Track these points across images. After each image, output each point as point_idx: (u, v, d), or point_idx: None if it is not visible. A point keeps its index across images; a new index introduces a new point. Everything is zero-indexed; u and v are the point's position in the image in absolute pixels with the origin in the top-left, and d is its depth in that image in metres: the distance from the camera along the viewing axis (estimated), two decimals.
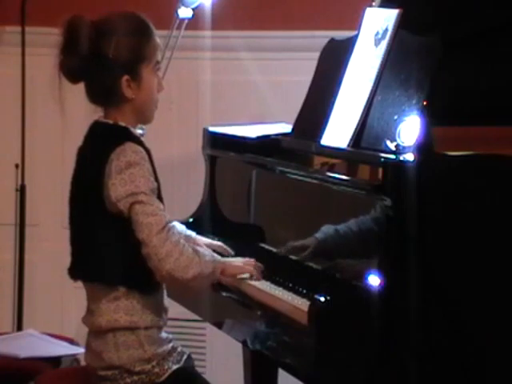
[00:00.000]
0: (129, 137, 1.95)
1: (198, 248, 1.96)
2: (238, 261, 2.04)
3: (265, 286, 2.00)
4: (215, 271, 1.96)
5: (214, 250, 2.19)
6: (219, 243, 2.20)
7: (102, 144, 1.94)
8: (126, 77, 1.93)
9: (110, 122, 1.97)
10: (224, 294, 2.09)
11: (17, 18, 3.04)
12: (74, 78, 1.95)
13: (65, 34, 1.92)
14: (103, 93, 1.95)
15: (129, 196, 1.89)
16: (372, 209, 1.86)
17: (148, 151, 1.96)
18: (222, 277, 2.00)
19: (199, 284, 1.96)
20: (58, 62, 1.93)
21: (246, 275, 2.03)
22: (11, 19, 3.08)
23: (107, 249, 1.93)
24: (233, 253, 2.17)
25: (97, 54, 1.92)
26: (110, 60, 1.92)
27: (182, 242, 1.91)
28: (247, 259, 2.06)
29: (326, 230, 1.99)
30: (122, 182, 1.90)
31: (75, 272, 1.99)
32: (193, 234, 2.18)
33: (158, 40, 1.98)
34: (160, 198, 1.96)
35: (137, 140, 1.96)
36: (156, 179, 1.95)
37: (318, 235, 2.01)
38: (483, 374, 1.87)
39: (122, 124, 1.97)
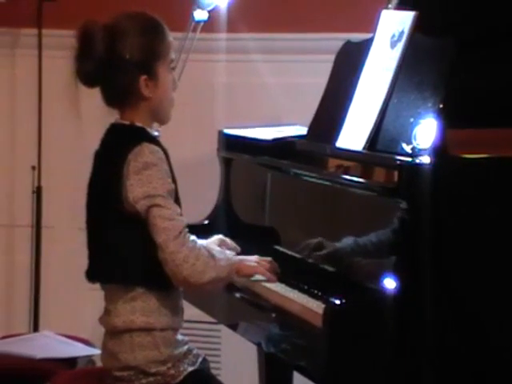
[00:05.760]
0: (146, 137, 1.95)
1: (213, 251, 1.96)
2: (253, 260, 2.03)
3: (279, 288, 2.00)
4: (230, 274, 1.96)
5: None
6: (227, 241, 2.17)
7: (119, 145, 1.95)
8: (143, 76, 1.94)
9: (127, 122, 1.98)
10: (239, 296, 2.09)
11: (33, 20, 3.06)
12: (91, 83, 1.96)
13: (79, 40, 1.93)
14: (121, 94, 1.96)
15: (146, 198, 1.90)
16: (387, 211, 1.85)
17: (165, 151, 1.96)
18: (236, 277, 2.00)
19: (214, 287, 1.96)
20: (74, 69, 1.94)
21: (261, 277, 2.03)
22: (28, 22, 3.10)
23: (125, 249, 1.94)
24: (239, 249, 2.15)
25: (113, 57, 1.93)
26: (126, 61, 1.93)
27: (197, 246, 1.92)
28: (263, 258, 2.05)
29: (342, 232, 1.99)
30: (140, 182, 1.90)
31: (93, 274, 2.00)
32: (203, 242, 2.17)
33: (171, 38, 1.99)
34: (177, 199, 1.97)
35: (154, 140, 1.97)
36: (173, 180, 1.96)
37: (333, 237, 2.01)
38: (500, 380, 1.86)
39: (139, 124, 1.98)
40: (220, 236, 2.13)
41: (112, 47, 1.92)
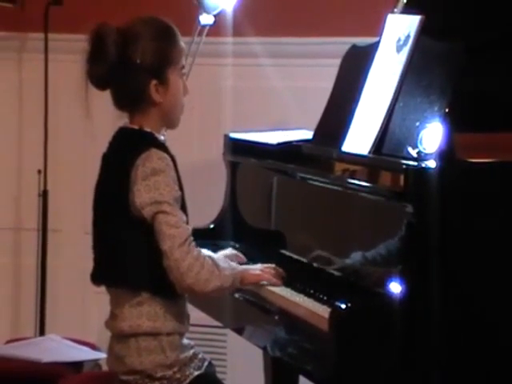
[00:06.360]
0: (154, 142, 1.96)
1: (218, 261, 1.96)
2: (257, 268, 2.04)
3: (285, 292, 2.00)
4: (234, 283, 1.97)
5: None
6: (233, 252, 2.17)
7: (127, 149, 1.95)
8: (154, 81, 1.95)
9: (136, 127, 1.98)
10: (245, 300, 2.09)
11: (40, 24, 3.07)
12: (101, 86, 1.96)
13: (92, 43, 1.93)
14: (131, 98, 1.96)
15: (153, 204, 1.90)
16: (393, 215, 1.85)
17: (173, 158, 1.96)
18: (241, 286, 2.00)
19: (219, 295, 1.97)
20: (86, 71, 1.94)
21: (265, 282, 2.03)
22: (34, 26, 3.11)
23: (131, 254, 1.94)
24: (245, 260, 2.15)
25: (124, 61, 1.93)
26: (137, 65, 1.93)
27: (202, 255, 1.93)
28: (267, 265, 2.06)
29: (348, 236, 1.99)
30: (147, 188, 1.91)
31: (98, 277, 2.00)
32: (211, 254, 2.16)
33: (182, 43, 2.00)
34: (184, 206, 1.97)
35: (162, 146, 1.97)
36: (180, 188, 1.96)
37: (338, 241, 2.01)
38: (509, 382, 1.85)
39: (148, 129, 1.98)
40: (226, 252, 2.12)
41: (123, 51, 1.93)
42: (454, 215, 1.83)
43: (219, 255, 2.07)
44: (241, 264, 2.09)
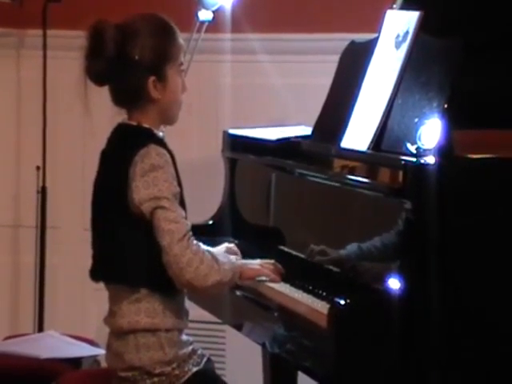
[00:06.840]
0: (153, 139, 1.96)
1: (217, 255, 1.96)
2: (256, 263, 2.04)
3: (284, 288, 2.00)
4: (234, 277, 1.97)
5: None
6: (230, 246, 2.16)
7: (125, 146, 1.95)
8: (152, 78, 1.95)
9: (134, 123, 1.99)
10: (244, 296, 2.09)
11: (38, 21, 3.07)
12: (100, 82, 1.96)
13: (90, 39, 1.94)
14: (129, 95, 1.97)
15: (151, 200, 1.90)
16: (392, 212, 1.85)
17: (171, 154, 1.96)
18: (240, 280, 2.01)
19: (218, 290, 1.97)
20: (84, 67, 1.95)
21: (265, 277, 2.03)
22: (33, 22, 3.11)
23: (130, 250, 1.94)
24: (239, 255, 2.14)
25: (123, 57, 1.93)
26: (136, 62, 1.94)
27: (201, 250, 1.93)
28: (266, 261, 2.06)
29: (347, 232, 1.99)
30: (146, 184, 1.91)
31: (97, 273, 2.00)
32: (210, 249, 2.16)
33: (181, 40, 2.00)
34: (182, 202, 1.97)
35: (161, 142, 1.97)
36: (179, 184, 1.96)
37: (337, 238, 2.01)
38: (508, 380, 1.85)
39: (146, 126, 1.98)
40: (226, 244, 2.12)
41: (122, 47, 1.93)
42: (453, 211, 1.83)
43: (220, 248, 2.07)
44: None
